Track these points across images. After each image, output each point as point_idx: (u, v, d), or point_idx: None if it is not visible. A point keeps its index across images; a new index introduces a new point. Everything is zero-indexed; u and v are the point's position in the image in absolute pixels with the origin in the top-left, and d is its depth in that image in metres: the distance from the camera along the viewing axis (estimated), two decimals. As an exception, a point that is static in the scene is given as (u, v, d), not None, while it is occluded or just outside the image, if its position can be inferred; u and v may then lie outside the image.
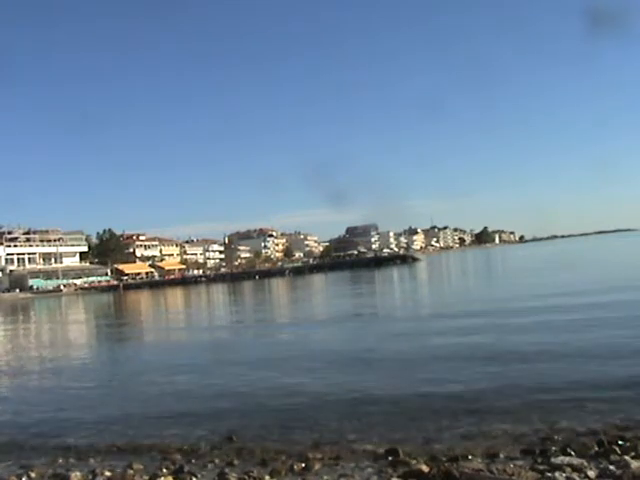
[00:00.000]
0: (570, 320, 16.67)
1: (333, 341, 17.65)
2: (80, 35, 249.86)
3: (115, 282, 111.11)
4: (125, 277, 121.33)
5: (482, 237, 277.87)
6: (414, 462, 6.45)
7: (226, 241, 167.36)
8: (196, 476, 6.69)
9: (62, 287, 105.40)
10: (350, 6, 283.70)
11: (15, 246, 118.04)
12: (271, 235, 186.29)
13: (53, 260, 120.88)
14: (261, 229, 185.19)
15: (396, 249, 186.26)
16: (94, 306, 59.99)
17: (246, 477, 6.47)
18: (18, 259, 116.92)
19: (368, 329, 20.14)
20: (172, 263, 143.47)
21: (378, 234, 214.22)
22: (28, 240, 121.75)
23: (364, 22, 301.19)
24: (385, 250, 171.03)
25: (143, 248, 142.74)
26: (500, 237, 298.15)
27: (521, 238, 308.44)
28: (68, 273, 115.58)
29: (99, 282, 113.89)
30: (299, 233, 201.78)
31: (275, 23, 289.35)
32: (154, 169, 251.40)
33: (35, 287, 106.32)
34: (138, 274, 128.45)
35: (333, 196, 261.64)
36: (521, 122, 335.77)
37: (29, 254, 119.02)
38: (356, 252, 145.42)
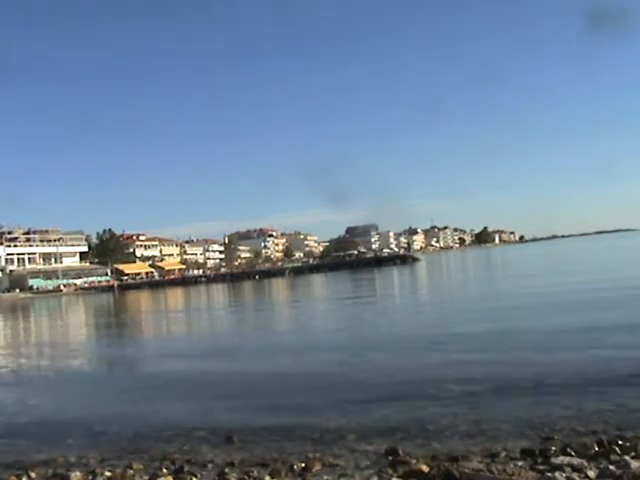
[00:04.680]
0: (570, 321, 16.68)
1: (333, 342, 17.65)
2: (80, 35, 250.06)
3: (115, 282, 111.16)
4: (125, 277, 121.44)
5: (482, 237, 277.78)
6: (414, 462, 6.44)
7: (226, 241, 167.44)
8: (196, 476, 6.69)
9: (62, 287, 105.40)
10: (351, 6, 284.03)
11: (15, 246, 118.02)
12: (271, 235, 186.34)
13: (53, 260, 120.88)
14: (261, 229, 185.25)
15: (396, 249, 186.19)
16: (94, 306, 59.99)
17: (246, 477, 6.47)
18: (18, 259, 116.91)
19: (368, 331, 20.14)
20: (172, 263, 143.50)
21: (378, 234, 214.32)
22: (28, 240, 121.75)
23: (364, 22, 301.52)
24: (385, 250, 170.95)
25: (143, 248, 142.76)
26: (500, 237, 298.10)
27: (521, 238, 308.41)
28: (68, 273, 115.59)
29: (99, 282, 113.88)
30: (299, 233, 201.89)
31: (275, 22, 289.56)
32: (154, 169, 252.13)
33: (35, 287, 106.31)
34: (138, 274, 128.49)
35: (333, 196, 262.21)
36: (521, 122, 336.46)
37: (29, 254, 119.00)
38: (356, 252, 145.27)
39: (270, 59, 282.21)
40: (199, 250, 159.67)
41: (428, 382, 10.46)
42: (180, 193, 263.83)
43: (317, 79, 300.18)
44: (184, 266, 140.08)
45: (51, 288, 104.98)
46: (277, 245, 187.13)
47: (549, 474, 5.65)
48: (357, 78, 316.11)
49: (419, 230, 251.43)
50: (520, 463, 6.13)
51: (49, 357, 20.68)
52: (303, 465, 6.73)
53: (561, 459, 6.09)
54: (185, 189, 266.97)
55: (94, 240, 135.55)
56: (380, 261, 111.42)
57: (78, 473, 7.08)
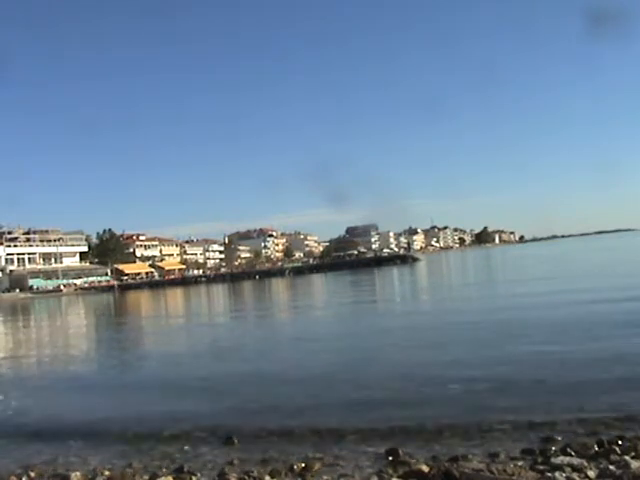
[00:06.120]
0: (570, 321, 16.69)
1: (332, 343, 17.66)
2: (80, 35, 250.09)
3: (115, 282, 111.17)
4: (125, 277, 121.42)
5: (482, 237, 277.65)
6: (414, 462, 6.44)
7: (226, 241, 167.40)
8: (196, 476, 6.68)
9: (62, 287, 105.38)
10: (351, 6, 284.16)
11: (15, 246, 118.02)
12: (271, 235, 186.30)
13: (53, 260, 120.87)
14: (261, 229, 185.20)
15: (396, 249, 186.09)
16: (93, 307, 59.96)
17: (246, 477, 6.47)
18: (18, 259, 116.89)
19: (368, 332, 20.14)
20: (172, 263, 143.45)
21: (378, 234, 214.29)
22: (28, 240, 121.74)
23: (365, 22, 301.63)
24: (385, 250, 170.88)
25: (143, 248, 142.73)
26: (500, 237, 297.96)
27: (521, 238, 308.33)
28: (68, 273, 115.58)
29: (99, 282, 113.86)
30: (299, 233, 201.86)
31: (275, 22, 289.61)
32: (154, 169, 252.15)
33: (35, 287, 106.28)
34: (138, 274, 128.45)
35: (333, 196, 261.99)
36: (521, 122, 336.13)
37: (29, 254, 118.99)
38: (356, 252, 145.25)
39: (270, 59, 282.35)
40: (199, 250, 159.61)
41: (427, 382, 10.46)
42: (180, 193, 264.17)
43: (317, 79, 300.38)
44: (184, 266, 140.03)
45: (51, 288, 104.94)
46: (277, 245, 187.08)
47: (549, 474, 5.64)
48: (357, 78, 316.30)
49: (419, 230, 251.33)
50: (520, 463, 6.13)
51: (48, 357, 20.66)
52: (303, 465, 6.72)
53: (561, 459, 6.09)
54: (185, 189, 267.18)
55: (94, 240, 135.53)
56: (380, 261, 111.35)
57: (78, 473, 7.08)
